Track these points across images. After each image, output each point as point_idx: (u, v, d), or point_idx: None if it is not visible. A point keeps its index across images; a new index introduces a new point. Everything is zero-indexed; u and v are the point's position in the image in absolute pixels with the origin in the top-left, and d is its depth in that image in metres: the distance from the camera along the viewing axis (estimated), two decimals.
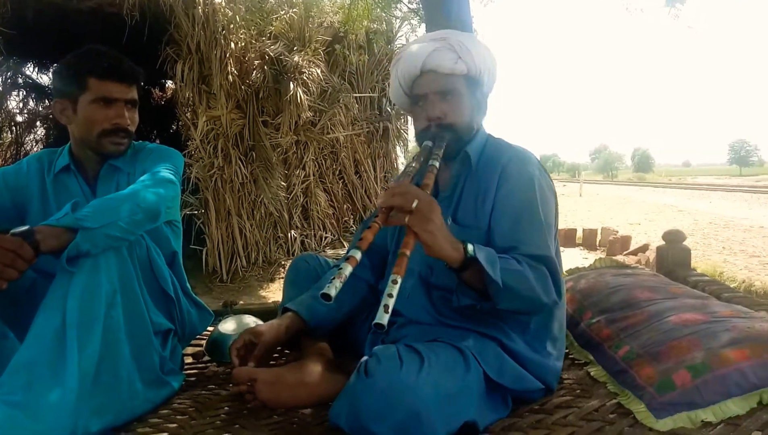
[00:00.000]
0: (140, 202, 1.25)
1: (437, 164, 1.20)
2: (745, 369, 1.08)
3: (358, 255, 0.95)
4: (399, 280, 0.92)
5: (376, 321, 0.86)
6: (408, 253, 0.97)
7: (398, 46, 5.47)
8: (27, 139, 7.47)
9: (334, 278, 0.89)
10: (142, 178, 1.35)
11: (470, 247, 1.06)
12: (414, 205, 0.99)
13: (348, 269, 0.91)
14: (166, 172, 1.40)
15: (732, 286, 2.80)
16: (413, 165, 1.22)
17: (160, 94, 8.46)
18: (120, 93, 1.39)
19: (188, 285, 1.54)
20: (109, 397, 1.12)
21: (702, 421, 1.03)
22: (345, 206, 5.57)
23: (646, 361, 1.19)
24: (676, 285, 1.62)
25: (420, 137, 1.31)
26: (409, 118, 5.51)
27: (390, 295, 0.89)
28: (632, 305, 1.43)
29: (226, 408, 1.26)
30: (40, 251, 1.07)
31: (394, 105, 5.51)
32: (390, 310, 0.88)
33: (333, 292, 0.87)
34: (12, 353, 1.15)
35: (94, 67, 1.37)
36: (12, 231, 1.07)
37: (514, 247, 1.16)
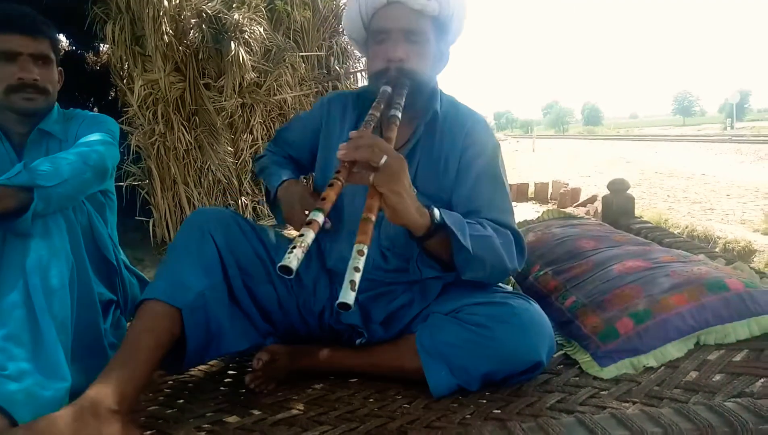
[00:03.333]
0: (88, 161, 1.21)
1: (399, 115, 1.06)
2: (684, 313, 1.10)
3: (320, 218, 0.81)
4: (365, 250, 0.78)
5: (341, 300, 0.72)
6: (373, 217, 0.84)
7: (344, 2, 5.25)
8: None
9: (294, 248, 0.74)
10: (81, 140, 1.30)
11: (436, 212, 0.99)
12: (382, 160, 0.87)
13: (310, 236, 0.77)
14: (105, 136, 1.36)
15: (676, 232, 2.89)
16: (373, 114, 1.05)
17: (95, 58, 7.94)
18: (22, 46, 1.28)
19: (125, 257, 1.47)
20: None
21: (644, 366, 1.05)
22: None
23: (591, 310, 1.20)
24: (620, 233, 1.64)
25: (376, 79, 1.15)
26: (360, 75, 5.40)
27: (356, 269, 0.75)
28: (577, 255, 1.44)
29: (170, 382, 1.20)
30: None
31: (343, 64, 5.33)
32: (357, 287, 0.74)
33: (294, 265, 0.73)
34: None
35: None
36: None
37: (477, 210, 1.10)
